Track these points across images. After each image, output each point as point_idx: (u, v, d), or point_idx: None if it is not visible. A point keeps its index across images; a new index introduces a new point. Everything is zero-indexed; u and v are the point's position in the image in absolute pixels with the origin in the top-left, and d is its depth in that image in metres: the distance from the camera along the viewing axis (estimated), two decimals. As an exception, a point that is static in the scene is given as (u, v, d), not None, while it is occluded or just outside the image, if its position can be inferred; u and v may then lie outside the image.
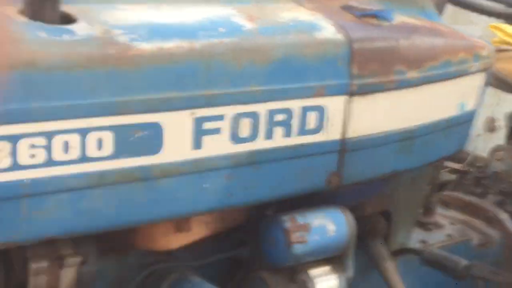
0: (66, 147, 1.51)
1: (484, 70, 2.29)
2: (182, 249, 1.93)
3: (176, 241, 1.89)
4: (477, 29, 3.11)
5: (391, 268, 2.38)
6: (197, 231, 1.91)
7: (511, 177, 3.13)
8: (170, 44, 1.64)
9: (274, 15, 1.92)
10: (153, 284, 1.95)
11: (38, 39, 1.50)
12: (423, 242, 2.67)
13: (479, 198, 3.00)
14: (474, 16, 2.88)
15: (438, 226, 2.81)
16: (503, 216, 2.86)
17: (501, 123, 3.95)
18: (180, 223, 1.85)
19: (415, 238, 2.64)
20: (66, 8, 1.59)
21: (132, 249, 1.89)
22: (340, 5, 2.06)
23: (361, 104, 1.95)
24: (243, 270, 2.11)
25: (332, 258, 2.08)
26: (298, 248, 1.95)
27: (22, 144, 1.45)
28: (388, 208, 2.35)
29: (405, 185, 2.37)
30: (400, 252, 2.50)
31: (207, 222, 1.93)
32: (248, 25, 1.80)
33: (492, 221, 2.85)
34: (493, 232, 2.85)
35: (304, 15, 1.97)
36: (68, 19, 1.57)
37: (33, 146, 1.47)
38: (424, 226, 2.76)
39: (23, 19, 1.54)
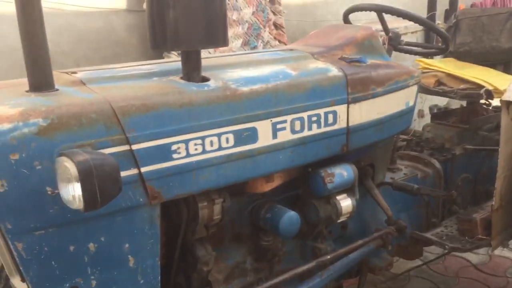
0: (211, 143, 1.61)
1: (416, 83, 2.28)
2: (269, 192, 1.93)
3: (266, 187, 1.90)
4: (409, 62, 3.07)
5: (378, 193, 2.38)
6: (276, 181, 1.92)
7: (435, 140, 3.05)
8: (256, 86, 1.73)
9: (305, 66, 1.96)
10: (256, 211, 1.96)
11: (192, 90, 1.61)
12: (392, 178, 2.62)
13: (419, 152, 2.93)
14: (406, 55, 2.88)
15: (398, 169, 2.74)
16: (433, 161, 2.80)
17: (426, 112, 3.89)
18: (268, 177, 1.88)
19: (387, 177, 2.59)
20: (204, 74, 1.69)
21: (244, 193, 1.90)
22: (338, 57, 2.07)
23: (355, 108, 1.98)
24: (301, 201, 2.10)
25: (346, 189, 2.08)
26: (329, 185, 1.98)
27: (190, 143, 1.56)
28: (372, 162, 2.33)
29: (380, 148, 2.34)
30: (381, 184, 2.49)
31: (281, 176, 1.94)
32: (293, 73, 1.87)
33: (427, 164, 2.79)
34: (428, 170, 2.78)
35: (320, 64, 2.00)
36: (205, 79, 1.67)
37: (195, 144, 1.57)
38: (391, 170, 2.70)
39: (183, 81, 1.65)
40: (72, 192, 1.23)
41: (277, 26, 4.09)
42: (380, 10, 2.43)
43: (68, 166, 1.21)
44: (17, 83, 1.58)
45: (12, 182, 1.28)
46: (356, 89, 1.97)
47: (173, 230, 1.73)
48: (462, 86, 2.81)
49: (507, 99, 2.24)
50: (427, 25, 2.48)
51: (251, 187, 1.87)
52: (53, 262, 1.40)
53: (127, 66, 1.78)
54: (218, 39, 1.60)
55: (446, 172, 2.84)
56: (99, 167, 1.20)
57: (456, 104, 3.71)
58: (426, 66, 3.02)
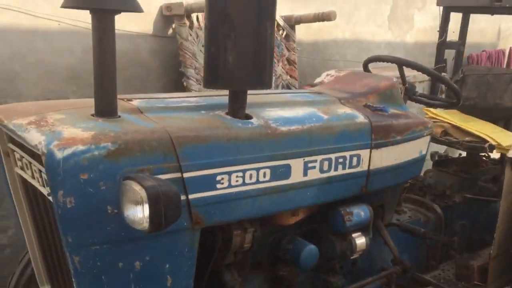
0: (250, 176, 1.73)
1: (429, 134, 2.40)
2: (292, 225, 2.04)
3: (291, 220, 2.01)
4: (415, 109, 3.19)
5: (386, 234, 2.48)
6: (300, 216, 2.03)
7: (436, 186, 3.19)
8: (293, 127, 1.86)
9: (335, 111, 2.09)
10: (278, 241, 2.05)
11: (238, 126, 1.74)
12: (397, 220, 2.73)
13: (421, 197, 3.05)
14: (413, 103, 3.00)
15: (403, 211, 2.86)
16: (435, 206, 2.91)
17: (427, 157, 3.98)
18: (294, 211, 1.99)
19: (394, 218, 2.70)
20: (249, 111, 1.82)
21: (269, 224, 1.98)
22: (362, 105, 2.22)
23: (376, 153, 2.11)
24: (317, 235, 2.17)
25: (362, 228, 2.19)
26: (348, 223, 2.10)
27: (233, 175, 1.68)
28: (383, 203, 2.43)
29: (391, 191, 2.43)
30: (388, 225, 2.58)
31: (304, 211, 2.04)
32: (325, 116, 2.00)
33: (429, 209, 2.91)
34: (431, 214, 2.89)
35: (348, 110, 2.13)
36: (248, 117, 1.80)
37: (237, 176, 1.69)
38: (397, 212, 2.79)
39: (229, 117, 1.77)
40: (139, 213, 1.34)
41: (290, 61, 4.25)
42: (401, 63, 2.59)
43: (137, 189, 1.32)
44: (78, 105, 1.70)
45: (79, 199, 1.39)
46: (379, 136, 2.12)
47: (203, 255, 1.81)
48: (467, 139, 2.98)
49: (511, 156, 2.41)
50: (444, 81, 2.66)
51: (278, 219, 1.99)
52: (103, 277, 1.50)
53: (175, 97, 1.91)
54: (264, 82, 1.73)
55: (446, 217, 2.96)
56: (165, 193, 1.32)
57: (453, 152, 3.88)
58: (433, 116, 3.18)
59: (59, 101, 1.84)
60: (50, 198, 1.52)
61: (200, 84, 3.77)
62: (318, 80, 2.76)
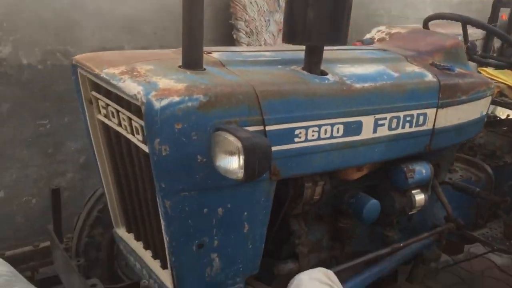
0: (325, 131, 1.76)
1: (491, 95, 2.42)
2: (355, 180, 2.09)
3: (356, 175, 2.06)
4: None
5: (441, 192, 2.51)
6: (364, 171, 2.07)
7: (487, 147, 3.20)
8: (367, 84, 1.88)
9: (403, 69, 2.09)
10: (341, 195, 2.10)
11: (315, 82, 1.77)
12: (450, 178, 2.75)
13: (472, 156, 3.04)
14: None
15: (455, 171, 2.88)
16: (486, 166, 2.91)
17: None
18: (360, 167, 2.04)
19: (446, 177, 2.69)
20: (322, 67, 1.84)
21: (335, 178, 2.01)
22: (429, 63, 2.22)
23: (442, 112, 2.13)
24: (378, 191, 2.21)
25: (421, 185, 2.23)
26: (410, 180, 2.13)
27: (309, 130, 1.72)
28: (439, 161, 2.46)
29: (448, 150, 2.43)
30: (442, 183, 2.60)
31: (368, 167, 2.08)
32: (395, 74, 2.02)
33: (480, 169, 2.92)
34: (481, 174, 2.90)
35: (415, 68, 2.14)
36: (323, 73, 1.83)
37: (313, 131, 1.73)
38: (449, 170, 2.76)
39: (305, 72, 1.80)
40: (233, 163, 1.40)
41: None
42: (465, 21, 2.55)
43: (232, 140, 1.38)
44: (161, 57, 1.75)
45: (173, 148, 1.45)
46: (446, 95, 2.13)
47: (274, 205, 1.85)
48: (524, 99, 2.96)
49: None
50: (505, 39, 2.61)
51: (344, 174, 2.04)
52: (190, 221, 1.58)
53: (250, 51, 1.95)
54: (341, 38, 1.74)
55: (496, 177, 2.96)
56: (259, 144, 1.37)
57: (499, 112, 3.85)
58: (489, 76, 3.14)
59: (140, 52, 1.90)
60: (140, 145, 1.60)
61: (249, 37, 3.77)
62: (368, 36, 2.74)
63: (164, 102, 1.41)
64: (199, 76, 1.55)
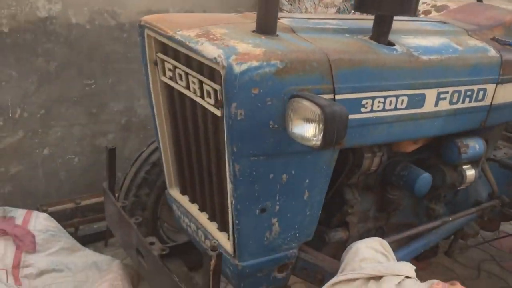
0: (390, 103, 1.75)
1: None
2: (409, 152, 2.10)
3: (411, 148, 2.07)
4: None
5: (487, 168, 2.52)
6: (419, 144, 2.08)
7: None
8: (433, 57, 1.86)
9: (466, 42, 2.06)
10: (392, 167, 2.10)
11: (384, 53, 1.75)
12: (494, 155, 2.71)
13: None
14: None
15: (499, 148, 2.84)
16: (509, 143, 2.89)
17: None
18: (416, 140, 2.04)
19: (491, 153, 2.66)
20: (390, 39, 1.82)
21: (391, 150, 2.04)
22: (490, 38, 2.18)
23: (501, 88, 2.11)
24: (428, 165, 2.22)
25: (473, 161, 2.23)
26: (463, 155, 2.13)
27: (376, 101, 1.71)
28: (487, 138, 2.38)
29: (496, 127, 2.41)
30: (489, 160, 2.60)
31: (423, 140, 2.08)
32: (459, 47, 1.99)
33: None
34: None
35: (477, 43, 2.11)
36: (391, 44, 1.80)
37: (379, 102, 1.72)
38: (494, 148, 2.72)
39: (374, 42, 1.77)
40: (310, 130, 1.41)
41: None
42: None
43: (312, 108, 1.38)
44: (232, 20, 1.74)
45: (248, 112, 1.46)
46: (507, 71, 2.10)
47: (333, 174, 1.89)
48: None
49: None
50: None
51: (399, 146, 2.05)
52: (256, 185, 1.60)
53: (316, 19, 1.92)
54: (411, 9, 1.72)
55: (539, 157, 2.95)
56: (338, 112, 1.37)
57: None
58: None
59: (207, 15, 1.89)
60: (210, 109, 1.60)
61: (291, 5, 3.72)
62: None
63: (244, 66, 1.41)
64: (275, 42, 1.55)
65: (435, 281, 1.57)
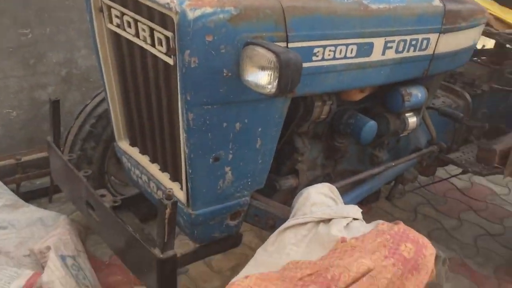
0: (340, 51, 1.77)
1: (484, 23, 2.47)
2: (356, 101, 2.15)
3: (358, 97, 2.11)
4: None
5: (427, 116, 2.63)
6: (366, 92, 2.12)
7: (466, 75, 3.25)
8: (381, 6, 1.88)
9: None
10: (339, 115, 2.15)
11: (335, 0, 1.75)
12: (433, 104, 2.82)
13: (452, 84, 3.13)
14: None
15: (437, 97, 2.96)
16: (466, 94, 3.01)
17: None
18: (363, 88, 2.08)
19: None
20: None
21: (340, 99, 2.06)
22: None
23: (443, 38, 2.17)
24: (373, 113, 2.28)
25: (415, 108, 2.32)
26: (406, 103, 2.21)
27: (327, 49, 1.73)
28: (428, 87, 2.45)
29: (437, 76, 2.51)
30: (428, 108, 2.70)
31: (370, 89, 2.13)
32: (404, -3, 2.01)
33: (460, 96, 3.02)
34: (460, 101, 3.01)
35: None
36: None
37: (329, 50, 1.74)
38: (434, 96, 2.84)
39: None
40: (265, 78, 1.41)
41: None
42: None
43: (267, 55, 1.38)
44: None
45: (202, 60, 1.44)
46: (449, 21, 2.16)
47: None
48: (507, 31, 3.03)
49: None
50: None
51: (347, 95, 2.09)
52: (209, 134, 1.60)
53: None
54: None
55: (473, 105, 3.09)
56: (293, 59, 1.38)
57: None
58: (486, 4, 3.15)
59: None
60: (162, 57, 1.56)
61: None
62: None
63: (198, 12, 1.37)
64: None
65: (380, 221, 1.65)
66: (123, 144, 2.11)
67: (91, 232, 2.70)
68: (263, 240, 1.76)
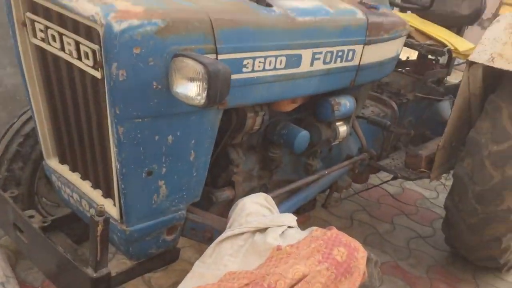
0: (269, 63, 1.80)
1: (406, 35, 2.58)
2: (288, 112, 2.20)
3: (290, 107, 2.16)
4: None
5: (357, 124, 2.72)
6: (297, 103, 2.18)
7: (392, 85, 3.41)
8: (308, 18, 1.93)
9: (337, 5, 2.15)
10: (272, 126, 2.19)
11: (263, 14, 1.78)
12: (362, 113, 2.93)
13: (379, 94, 3.26)
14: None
15: (366, 106, 3.06)
16: (392, 103, 3.12)
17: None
18: (294, 99, 2.13)
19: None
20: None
21: (272, 109, 2.09)
22: (357, 1, 2.29)
23: (368, 49, 2.25)
24: (305, 123, 2.34)
25: (345, 118, 2.40)
26: (336, 113, 2.27)
27: (256, 61, 1.75)
28: (357, 97, 2.53)
29: (366, 87, 2.61)
30: (358, 117, 2.79)
31: (301, 99, 2.18)
32: (330, 10, 2.07)
33: (387, 105, 3.15)
34: (387, 110, 3.14)
35: (347, 6, 2.21)
36: (269, 5, 1.84)
37: (259, 62, 1.76)
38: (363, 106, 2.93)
39: (253, 3, 1.80)
40: (194, 89, 1.41)
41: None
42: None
43: (196, 66, 1.38)
44: None
45: (130, 73, 1.42)
46: (372, 33, 2.25)
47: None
48: (428, 42, 3.20)
49: (472, 59, 2.67)
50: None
51: (279, 105, 2.12)
52: (141, 148, 1.58)
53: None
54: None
55: (400, 113, 3.24)
56: (222, 70, 1.39)
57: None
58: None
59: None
60: (89, 70, 1.53)
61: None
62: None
63: (124, 25, 1.36)
64: (155, 0, 1.51)
65: (314, 228, 1.68)
66: (52, 162, 2.03)
67: (22, 257, 2.58)
68: (203, 255, 1.75)
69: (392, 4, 2.88)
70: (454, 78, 4.13)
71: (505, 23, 2.55)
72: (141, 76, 1.44)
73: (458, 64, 3.92)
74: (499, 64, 2.43)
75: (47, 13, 1.60)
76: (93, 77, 1.53)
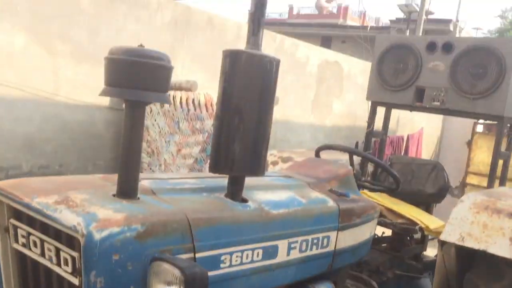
0: (246, 256, 1.84)
1: (377, 217, 2.66)
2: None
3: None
4: None
5: None
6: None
7: (371, 263, 3.30)
8: (281, 211, 2.02)
9: (308, 195, 2.27)
10: None
11: (239, 209, 1.87)
12: None
13: (359, 272, 3.13)
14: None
15: (347, 287, 2.83)
16: (373, 282, 3.03)
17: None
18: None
19: None
20: (244, 195, 1.96)
21: None
22: (327, 190, 2.42)
23: (341, 234, 2.31)
24: None
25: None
26: (315, 299, 2.24)
27: (233, 255, 1.79)
28: (336, 280, 2.50)
29: (344, 269, 2.56)
30: None
31: (279, 288, 2.18)
32: (302, 200, 2.19)
33: (367, 284, 3.02)
34: None
35: (318, 195, 2.33)
36: (244, 200, 1.94)
37: (236, 256, 1.80)
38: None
39: (229, 200, 1.89)
40: None
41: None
42: (351, 152, 2.90)
43: (173, 271, 1.40)
44: (90, 184, 1.74)
45: (108, 279, 1.43)
46: (344, 219, 2.34)
47: None
48: (399, 220, 3.31)
49: (443, 239, 2.73)
50: (388, 170, 2.98)
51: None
52: None
53: (175, 178, 2.01)
54: (260, 169, 1.89)
55: (381, 292, 3.21)
56: (198, 274, 1.41)
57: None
58: (369, 198, 3.47)
59: (67, 178, 1.90)
60: (67, 277, 1.53)
61: (150, 157, 3.83)
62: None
63: (105, 233, 1.41)
64: (136, 206, 1.59)
65: None
66: None
67: None
68: None
69: (361, 187, 3.05)
70: (431, 251, 4.16)
71: (469, 203, 2.66)
72: (119, 281, 1.45)
73: (432, 239, 3.99)
74: (469, 243, 2.48)
75: (30, 221, 1.64)
76: (71, 284, 1.53)
